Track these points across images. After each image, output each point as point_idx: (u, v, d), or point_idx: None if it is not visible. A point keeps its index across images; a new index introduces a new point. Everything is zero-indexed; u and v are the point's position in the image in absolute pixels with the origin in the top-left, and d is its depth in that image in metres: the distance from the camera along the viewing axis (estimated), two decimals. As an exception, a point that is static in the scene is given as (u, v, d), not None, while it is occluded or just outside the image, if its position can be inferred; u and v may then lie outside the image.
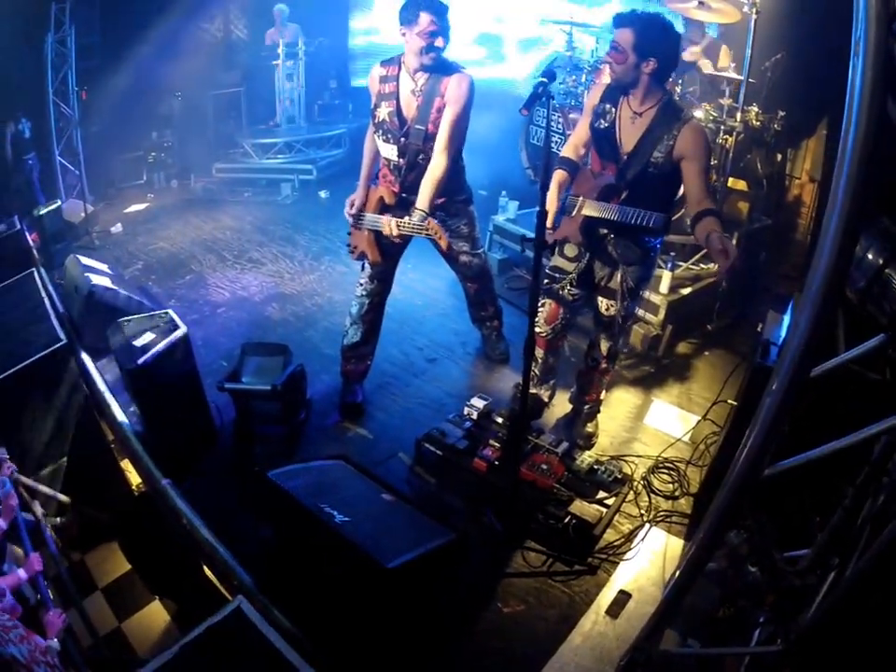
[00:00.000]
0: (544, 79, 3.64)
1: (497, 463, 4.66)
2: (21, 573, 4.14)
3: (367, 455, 5.06)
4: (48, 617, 3.81)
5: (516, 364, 5.98)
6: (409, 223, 4.72)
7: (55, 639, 3.60)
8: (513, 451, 4.48)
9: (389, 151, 5.02)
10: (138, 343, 5.05)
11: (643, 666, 3.38)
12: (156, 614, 5.55)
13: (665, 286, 6.16)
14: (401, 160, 4.99)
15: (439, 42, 4.63)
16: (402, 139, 4.91)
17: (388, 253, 5.21)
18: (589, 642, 3.86)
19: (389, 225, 4.76)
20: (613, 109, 4.34)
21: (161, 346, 5.00)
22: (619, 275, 4.60)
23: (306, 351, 6.02)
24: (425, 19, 4.52)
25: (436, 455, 4.84)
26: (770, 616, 3.16)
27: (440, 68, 4.76)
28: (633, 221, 4.11)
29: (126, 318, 5.62)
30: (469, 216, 5.48)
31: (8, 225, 9.26)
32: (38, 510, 5.07)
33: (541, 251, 3.73)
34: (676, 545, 4.43)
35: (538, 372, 5.24)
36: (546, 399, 5.45)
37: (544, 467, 4.58)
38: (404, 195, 5.07)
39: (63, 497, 5.40)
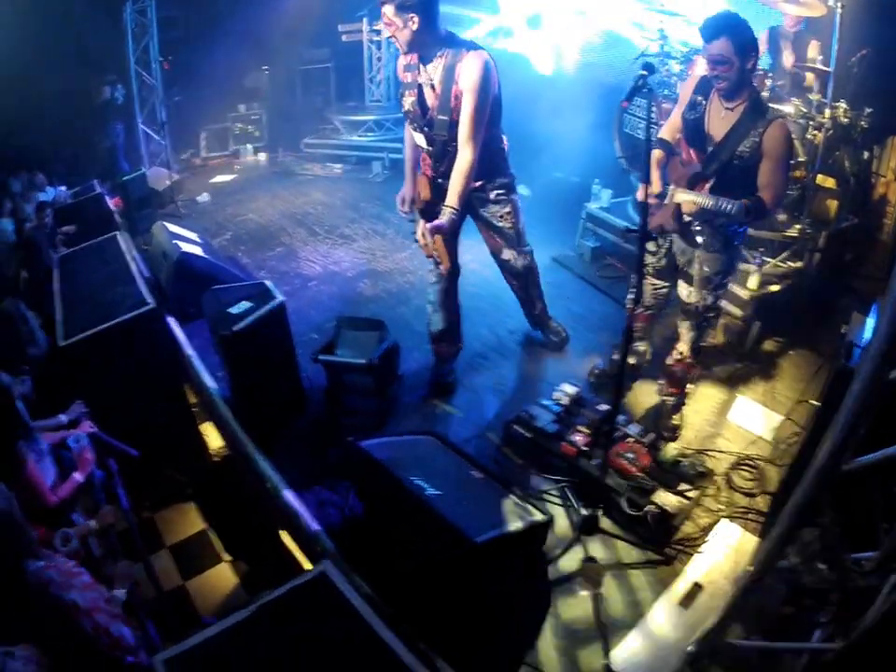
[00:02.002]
0: (644, 72, 3.71)
1: (585, 449, 4.71)
2: (92, 523, 4.23)
3: (455, 432, 5.13)
4: (117, 568, 3.91)
5: (602, 349, 6.07)
6: (425, 239, 4.58)
7: (121, 590, 3.67)
8: (603, 438, 4.52)
9: (420, 140, 4.98)
10: (233, 310, 5.15)
11: (709, 656, 3.47)
12: (223, 576, 5.64)
13: (753, 282, 6.11)
14: (431, 147, 4.92)
15: (394, 32, 4.48)
16: (426, 128, 4.85)
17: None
18: (659, 630, 3.91)
19: (423, 228, 4.63)
20: (704, 102, 4.42)
21: (257, 314, 5.10)
22: (696, 262, 4.71)
23: (398, 328, 6.01)
24: (383, 13, 4.40)
25: (524, 438, 4.91)
26: (833, 614, 3.19)
27: (453, 49, 4.56)
28: (716, 207, 4.17)
29: (221, 286, 5.71)
30: (512, 204, 5.27)
31: (87, 188, 9.40)
32: (114, 466, 5.15)
33: (645, 242, 3.77)
34: (750, 542, 4.42)
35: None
36: (631, 361, 5.46)
37: (631, 455, 4.61)
38: (440, 181, 4.99)
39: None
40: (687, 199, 4.34)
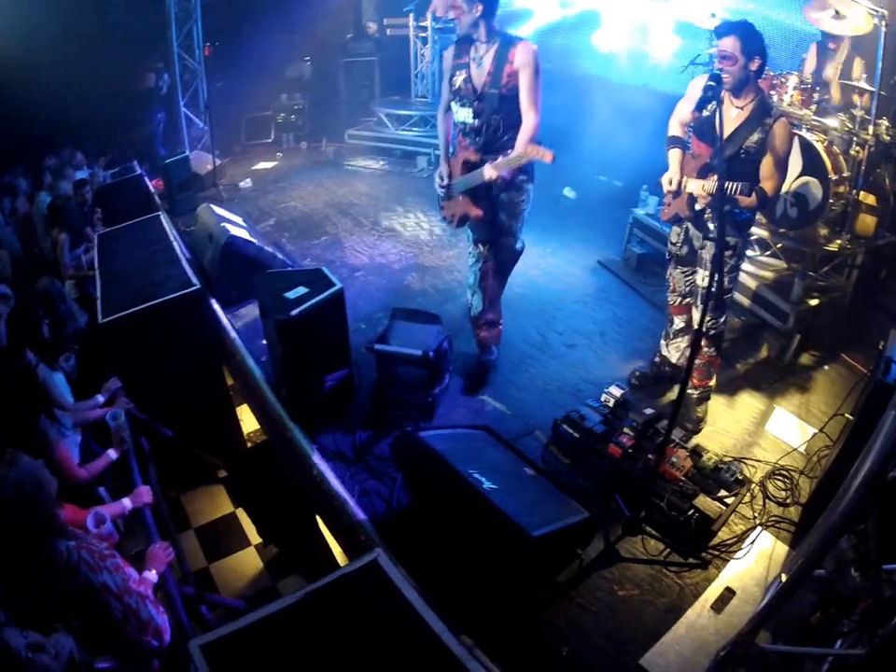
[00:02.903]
0: (712, 83, 3.97)
1: (630, 451, 4.78)
2: (127, 503, 4.25)
3: (502, 429, 5.15)
4: (152, 549, 3.89)
5: (644, 354, 6.22)
6: (506, 161, 5.07)
7: (153, 571, 3.68)
8: (653, 442, 4.75)
9: (465, 115, 5.33)
10: (290, 295, 5.19)
11: (739, 660, 3.52)
12: (248, 560, 5.73)
13: (795, 295, 6.19)
14: (476, 121, 5.28)
15: (458, 15, 5.07)
16: (476, 102, 5.23)
17: (487, 214, 5.50)
18: (691, 633, 3.99)
19: (489, 170, 5.14)
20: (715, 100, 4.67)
21: (315, 300, 5.14)
22: (710, 246, 4.98)
23: (445, 323, 6.01)
24: None
25: (572, 437, 4.98)
26: (860, 621, 3.27)
27: (503, 39, 5.12)
28: (726, 192, 4.57)
29: (276, 270, 5.77)
30: (527, 193, 5.59)
31: (126, 169, 9.50)
32: (146, 445, 5.26)
33: (722, 250, 3.88)
34: (781, 550, 4.50)
35: (669, 331, 5.75)
36: (673, 359, 5.77)
37: (674, 460, 4.67)
38: (483, 157, 5.31)
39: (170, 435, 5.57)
40: (697, 186, 4.85)
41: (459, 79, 5.31)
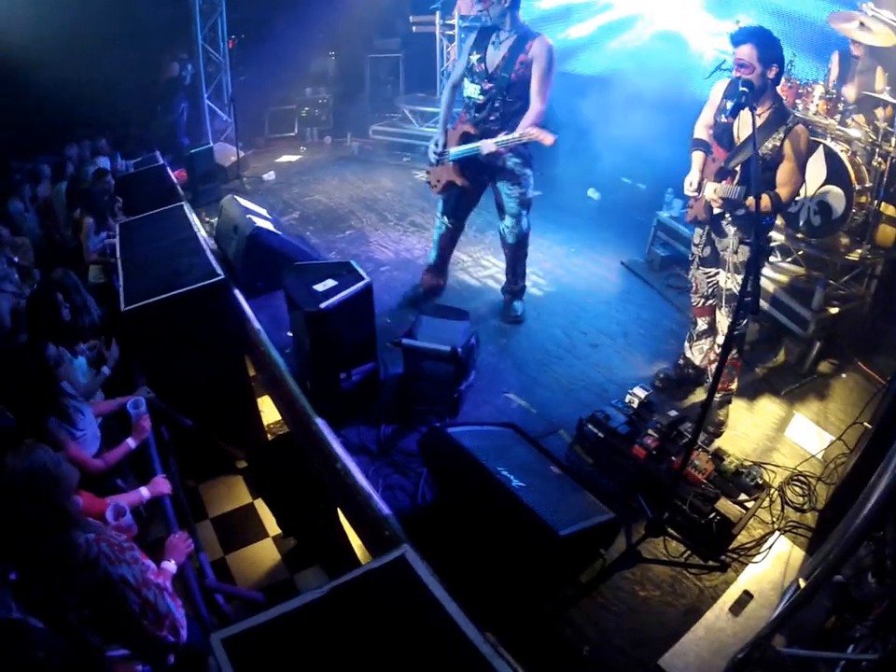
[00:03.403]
0: (745, 89, 4.06)
1: (654, 452, 4.81)
2: (144, 492, 4.27)
3: (527, 427, 5.14)
4: (172, 539, 3.90)
5: (668, 356, 6.26)
6: (505, 138, 5.63)
7: (171, 562, 3.69)
8: (680, 445, 4.80)
9: (473, 90, 5.93)
10: (319, 287, 5.20)
11: (756, 663, 3.56)
12: (265, 552, 5.77)
13: (816, 302, 6.23)
14: (482, 97, 5.86)
15: (487, 7, 5.65)
16: (486, 81, 5.79)
17: (472, 185, 6.22)
18: (710, 635, 4.03)
19: (487, 144, 5.72)
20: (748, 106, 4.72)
21: (345, 293, 5.14)
22: (731, 249, 5.11)
23: (471, 320, 5.99)
24: None
25: (597, 437, 4.99)
26: (873, 626, 3.30)
27: (524, 31, 5.69)
28: (727, 194, 4.80)
29: (304, 262, 5.79)
30: (525, 178, 6.15)
31: (149, 159, 9.54)
32: (165, 434, 5.33)
33: (757, 255, 3.92)
34: (798, 555, 4.53)
35: (693, 333, 5.84)
36: (697, 361, 5.85)
37: (697, 463, 4.70)
38: (481, 133, 5.89)
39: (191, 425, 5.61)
40: (709, 191, 4.93)
41: (475, 57, 5.85)
